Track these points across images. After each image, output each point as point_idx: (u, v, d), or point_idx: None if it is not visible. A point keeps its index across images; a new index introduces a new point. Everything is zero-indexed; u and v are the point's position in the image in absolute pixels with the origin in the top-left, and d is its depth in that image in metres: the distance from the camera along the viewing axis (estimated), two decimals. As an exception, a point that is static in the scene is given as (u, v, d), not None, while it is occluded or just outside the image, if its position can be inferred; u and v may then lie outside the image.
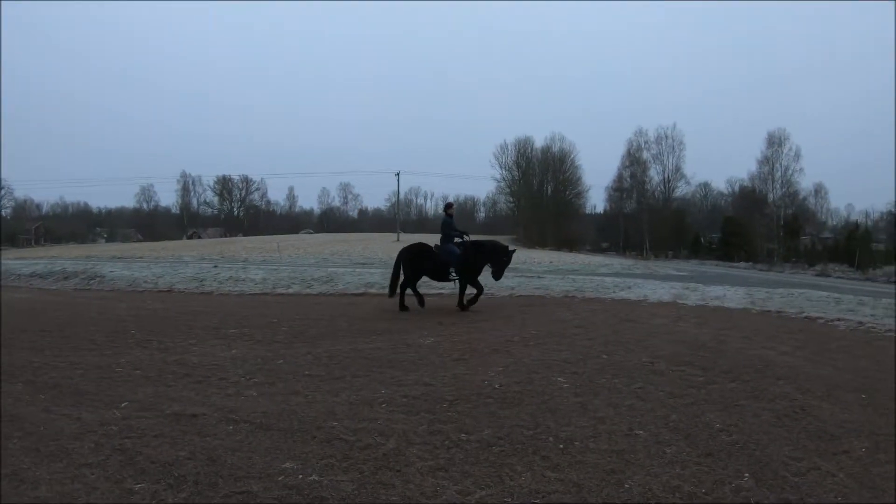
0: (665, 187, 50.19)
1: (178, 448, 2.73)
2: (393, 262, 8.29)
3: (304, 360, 4.60)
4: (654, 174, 50.18)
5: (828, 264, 32.08)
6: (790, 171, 43.56)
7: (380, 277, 11.04)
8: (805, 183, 46.44)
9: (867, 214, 53.16)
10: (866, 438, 2.98)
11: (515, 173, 55.92)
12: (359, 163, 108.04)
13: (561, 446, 2.83)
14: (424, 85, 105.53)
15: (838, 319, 7.35)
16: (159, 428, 3.02)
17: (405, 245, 8.28)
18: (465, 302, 7.80)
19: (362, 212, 78.11)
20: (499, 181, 57.13)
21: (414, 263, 7.86)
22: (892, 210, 47.11)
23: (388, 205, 70.54)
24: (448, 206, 8.41)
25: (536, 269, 16.59)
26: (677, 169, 49.63)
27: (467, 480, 2.43)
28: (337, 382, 3.94)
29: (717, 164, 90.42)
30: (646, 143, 49.81)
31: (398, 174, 51.74)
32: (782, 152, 43.43)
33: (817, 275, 26.95)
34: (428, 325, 6.42)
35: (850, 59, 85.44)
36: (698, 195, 55.20)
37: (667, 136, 49.31)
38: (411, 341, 5.41)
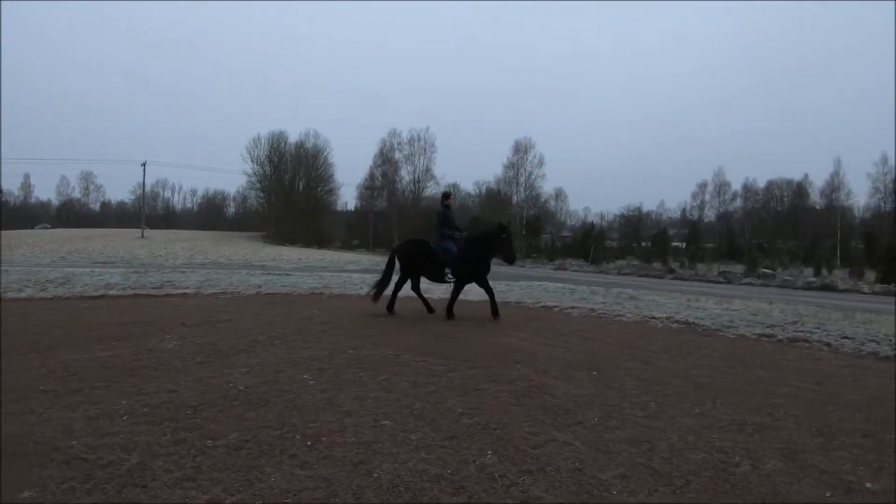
0: (415, 187, 78.24)
1: None
2: (385, 262, 11.67)
3: (37, 374, 5.92)
4: (405, 174, 78.48)
5: (566, 259, 51.38)
6: (533, 177, 73.59)
7: (120, 278, 16.18)
8: (547, 187, 78.21)
9: (602, 216, 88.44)
10: (598, 409, 5.16)
11: (267, 168, 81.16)
12: (102, 150, 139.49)
13: (308, 443, 4.15)
14: (177, 75, 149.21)
15: (572, 307, 12.33)
16: None
17: (400, 243, 11.82)
18: (493, 312, 10.78)
19: (105, 205, 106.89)
20: (250, 176, 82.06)
21: (413, 262, 11.25)
22: (624, 213, 78.30)
23: (134, 198, 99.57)
24: (446, 197, 11.96)
25: (285, 267, 26.90)
26: (427, 170, 77.90)
27: (217, 488, 3.43)
28: (74, 396, 5.17)
29: (467, 167, 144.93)
30: (399, 143, 78.11)
31: (144, 164, 72.81)
32: (527, 159, 73.31)
33: (556, 269, 41.50)
34: (170, 327, 8.81)
35: (594, 89, 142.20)
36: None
37: (419, 138, 77.75)
38: (152, 346, 7.43)
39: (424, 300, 11.38)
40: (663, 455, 4.16)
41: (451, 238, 11.10)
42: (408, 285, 11.65)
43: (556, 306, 12.66)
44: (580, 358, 7.37)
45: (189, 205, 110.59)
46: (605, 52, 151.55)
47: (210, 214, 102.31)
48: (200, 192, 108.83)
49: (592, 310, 12.29)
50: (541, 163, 73.51)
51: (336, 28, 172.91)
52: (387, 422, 4.65)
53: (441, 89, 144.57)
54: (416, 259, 11.19)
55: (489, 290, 10.94)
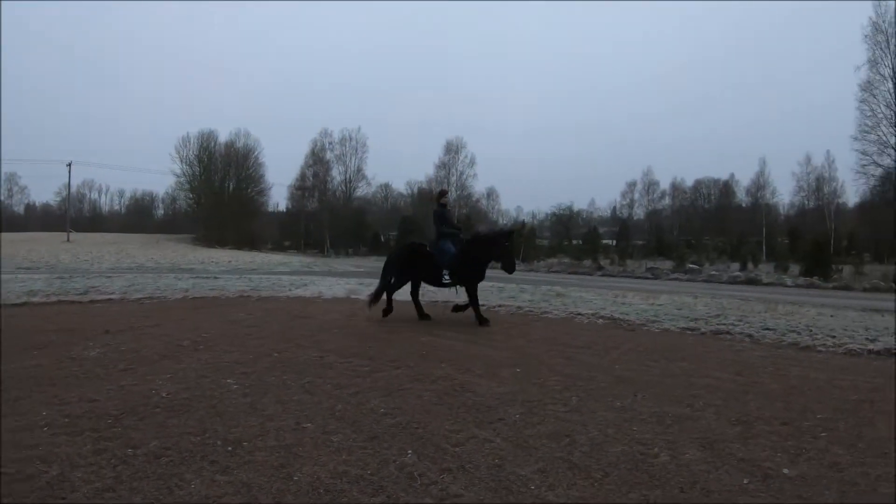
0: (347, 187, 79.25)
1: None
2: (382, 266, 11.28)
3: (-44, 389, 5.74)
4: (337, 174, 78.96)
5: None
6: (465, 176, 75.22)
7: (44, 284, 15.83)
8: (478, 187, 79.23)
9: (534, 215, 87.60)
10: (520, 406, 5.27)
11: (197, 168, 79.70)
12: (26, 150, 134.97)
13: (229, 449, 4.18)
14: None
15: (499, 306, 12.50)
16: None
17: (397, 247, 11.49)
18: (458, 308, 10.85)
19: (30, 207, 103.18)
20: (179, 176, 79.99)
21: (408, 266, 10.93)
22: (556, 212, 78.02)
23: (59, 200, 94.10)
24: (442, 195, 11.70)
25: (213, 270, 26.70)
26: (359, 170, 78.88)
27: (136, 497, 3.45)
28: (-6, 409, 5.09)
29: (399, 168, 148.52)
30: (330, 143, 78.32)
31: (70, 164, 72.48)
32: (458, 159, 74.97)
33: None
34: (94, 334, 8.68)
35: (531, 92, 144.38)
36: (379, 195, 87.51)
37: (351, 138, 78.40)
38: (76, 354, 7.32)
39: (419, 306, 11.01)
40: (583, 449, 4.23)
41: (451, 237, 10.80)
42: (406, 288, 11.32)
43: (484, 305, 12.37)
44: (505, 355, 7.51)
45: (116, 207, 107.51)
46: (544, 56, 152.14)
47: (138, 216, 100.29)
48: (128, 194, 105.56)
49: (519, 307, 12.49)
50: (472, 162, 75.01)
51: (265, 25, 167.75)
52: (308, 424, 4.69)
53: (373, 89, 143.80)
54: (411, 263, 10.87)
55: (473, 300, 10.57)
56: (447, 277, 10.57)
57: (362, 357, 7.25)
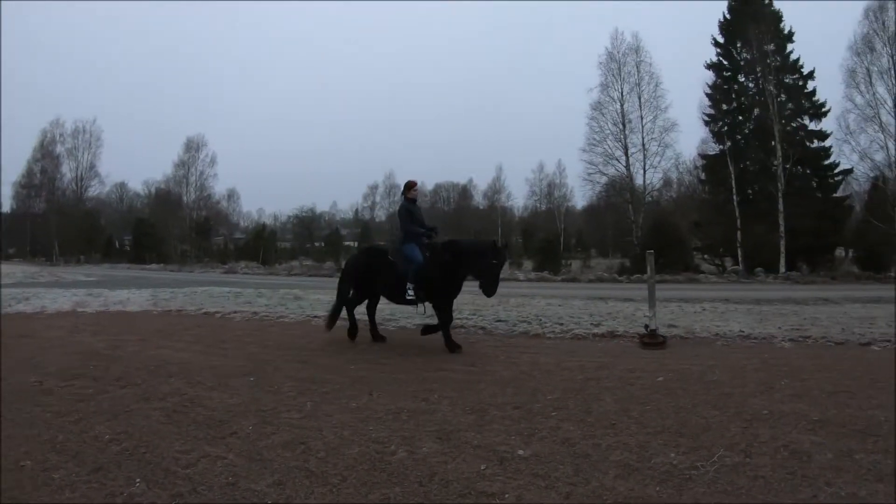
0: (78, 186, 67.18)
1: None
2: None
3: None
4: (67, 171, 66.99)
5: (238, 262, 51.94)
6: (205, 176, 67.95)
7: None
8: (219, 187, 72.46)
9: (276, 217, 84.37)
10: (253, 416, 5.03)
11: None
12: None
13: None
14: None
15: (235, 312, 12.08)
16: None
17: (354, 252, 9.69)
18: (429, 329, 8.59)
19: None
20: None
21: (363, 278, 8.94)
22: (298, 214, 76.83)
23: None
24: (409, 188, 9.08)
25: None
26: (92, 166, 67.16)
27: None
28: None
29: (136, 165, 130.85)
30: (61, 135, 65.97)
31: None
32: (199, 157, 67.33)
33: (226, 272, 40.99)
34: None
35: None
36: (114, 195, 78.06)
37: (84, 130, 66.44)
38: None
39: (374, 327, 9.22)
40: (319, 455, 4.13)
41: (419, 241, 8.63)
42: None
43: (219, 312, 12.25)
44: (238, 364, 7.24)
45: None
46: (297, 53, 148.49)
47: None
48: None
49: (255, 313, 12.11)
50: (213, 161, 68.87)
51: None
52: (27, 462, 4.11)
53: (112, 81, 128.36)
54: (368, 272, 8.87)
55: (445, 318, 8.46)
56: (412, 293, 8.49)
57: (85, 378, 6.62)
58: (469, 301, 13.80)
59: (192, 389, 5.98)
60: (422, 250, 8.49)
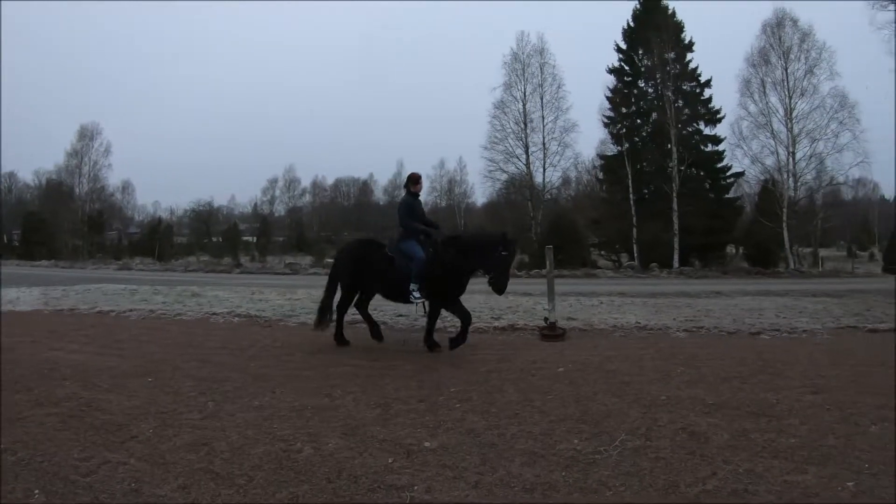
0: None
1: None
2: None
3: None
4: None
5: (133, 258, 48.89)
6: (99, 166, 63.87)
7: None
8: (113, 179, 67.48)
9: (172, 211, 79.94)
10: (153, 419, 4.87)
11: None
12: None
13: None
14: None
15: (131, 310, 11.67)
16: None
17: (344, 245, 9.08)
18: (431, 338, 8.00)
19: None
20: None
21: (356, 273, 8.16)
22: (195, 207, 73.84)
23: None
24: (414, 181, 8.41)
25: None
26: None
27: None
28: None
29: (25, 154, 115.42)
30: None
31: None
32: (93, 146, 63.18)
33: (120, 269, 38.52)
34: None
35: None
36: (2, 186, 71.97)
37: None
38: None
39: (372, 323, 8.51)
40: (224, 456, 4.06)
41: (420, 237, 8.05)
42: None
43: (114, 310, 11.70)
44: (135, 364, 6.92)
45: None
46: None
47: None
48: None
49: (152, 311, 11.62)
50: (108, 151, 64.12)
51: None
52: None
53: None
54: (362, 267, 8.18)
55: (464, 316, 7.92)
56: (417, 293, 7.87)
57: (-29, 386, 6.05)
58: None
59: (88, 393, 5.67)
60: (423, 247, 7.91)
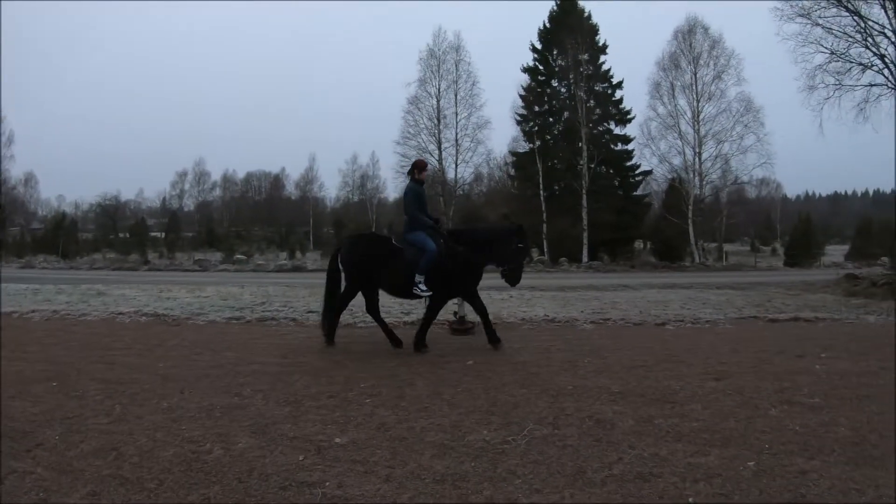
0: None
1: None
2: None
3: None
4: None
5: (36, 255, 46.63)
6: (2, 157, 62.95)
7: None
8: (16, 171, 64.94)
9: (77, 205, 78.47)
10: (59, 425, 4.74)
11: None
12: None
13: None
14: None
15: (34, 311, 11.35)
16: None
17: (345, 240, 8.68)
18: (423, 336, 7.74)
19: None
20: None
21: (362, 269, 7.78)
22: (101, 202, 72.31)
23: None
24: (419, 168, 8.12)
25: None
26: None
27: None
28: None
29: None
30: None
31: None
32: None
33: (22, 267, 36.83)
34: None
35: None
36: None
37: None
38: None
39: (387, 329, 8.07)
40: (133, 460, 4.02)
41: (428, 229, 7.76)
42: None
43: (16, 311, 11.30)
44: (38, 369, 6.68)
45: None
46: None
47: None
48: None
49: (56, 311, 11.28)
50: (10, 141, 59.88)
51: None
52: None
53: None
54: (367, 263, 7.76)
55: (481, 308, 7.81)
56: (424, 286, 7.57)
57: None
58: (281, 294, 13.79)
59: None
60: (434, 238, 7.67)
